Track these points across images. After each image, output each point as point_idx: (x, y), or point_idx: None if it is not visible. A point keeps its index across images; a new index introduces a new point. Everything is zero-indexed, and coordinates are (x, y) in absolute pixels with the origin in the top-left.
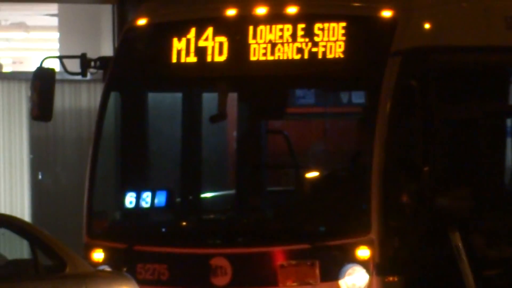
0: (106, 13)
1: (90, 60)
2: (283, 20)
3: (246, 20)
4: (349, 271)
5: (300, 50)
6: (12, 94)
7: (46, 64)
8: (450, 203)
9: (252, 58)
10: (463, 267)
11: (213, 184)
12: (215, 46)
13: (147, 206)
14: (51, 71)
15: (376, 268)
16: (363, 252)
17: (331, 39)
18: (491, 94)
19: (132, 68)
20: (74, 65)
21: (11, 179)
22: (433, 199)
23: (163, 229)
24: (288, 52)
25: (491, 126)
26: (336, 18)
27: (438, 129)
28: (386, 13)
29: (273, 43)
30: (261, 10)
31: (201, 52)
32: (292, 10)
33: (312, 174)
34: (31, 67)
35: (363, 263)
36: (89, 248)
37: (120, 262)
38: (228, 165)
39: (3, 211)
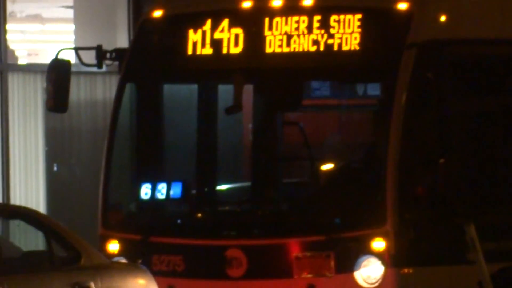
0: (121, 4)
1: (106, 51)
2: (299, 12)
3: (262, 12)
4: (364, 262)
5: (315, 42)
6: (28, 86)
7: (62, 56)
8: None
9: (268, 50)
10: (479, 259)
11: (229, 176)
12: (231, 38)
13: (162, 197)
14: (66, 63)
15: (392, 259)
16: (379, 244)
17: (347, 31)
18: (507, 87)
19: (148, 60)
20: (89, 57)
21: (26, 171)
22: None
23: (179, 221)
24: (303, 44)
25: (507, 118)
26: (351, 10)
27: (453, 121)
28: (402, 5)
29: (288, 35)
30: (277, 2)
31: (216, 44)
32: (308, 2)
33: (327, 166)
34: (47, 59)
35: (379, 255)
36: (104, 239)
37: (135, 254)
38: (243, 157)
39: (18, 203)
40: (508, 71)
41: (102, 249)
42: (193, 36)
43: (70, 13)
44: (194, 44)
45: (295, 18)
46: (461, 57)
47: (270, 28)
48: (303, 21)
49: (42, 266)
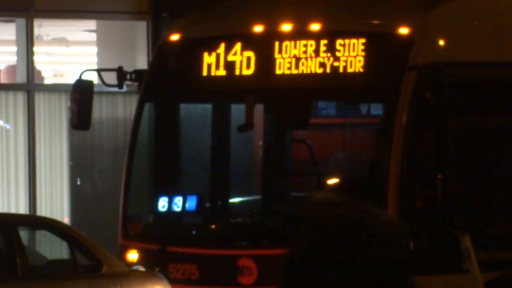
0: (141, 29)
1: (126, 73)
2: (307, 36)
3: (272, 36)
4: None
5: (322, 65)
6: (53, 105)
7: (85, 77)
8: None
9: (278, 72)
10: (473, 268)
11: (241, 190)
12: (243, 61)
13: (178, 210)
14: (89, 83)
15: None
16: None
17: (352, 54)
18: (501, 107)
19: (165, 80)
20: (111, 78)
21: (52, 184)
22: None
23: (194, 232)
24: (311, 66)
25: (501, 137)
26: (356, 35)
27: (451, 139)
28: (403, 30)
29: (297, 57)
30: (286, 27)
31: (230, 66)
32: (315, 27)
33: (333, 181)
34: (71, 79)
35: None
36: (124, 249)
37: (153, 262)
38: (254, 172)
39: (44, 215)
40: (502, 92)
41: (122, 258)
42: (208, 58)
43: (93, 37)
44: (209, 66)
45: (303, 42)
46: (458, 79)
47: (280, 51)
48: (311, 45)
49: (66, 274)
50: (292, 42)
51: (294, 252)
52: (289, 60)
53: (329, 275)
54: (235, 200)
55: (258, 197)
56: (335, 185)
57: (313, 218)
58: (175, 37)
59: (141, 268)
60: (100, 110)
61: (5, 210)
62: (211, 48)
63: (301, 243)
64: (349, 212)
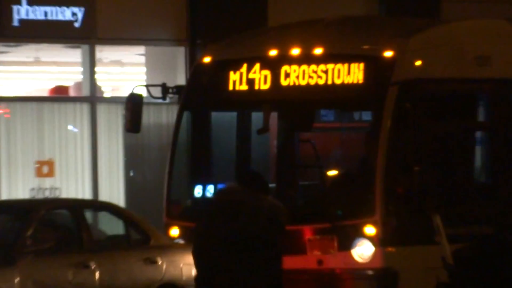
0: (180, 53)
1: (169, 88)
2: (311, 58)
3: (284, 58)
4: (359, 243)
5: (323, 81)
6: (111, 113)
7: (136, 91)
8: None
9: (288, 86)
10: (442, 240)
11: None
12: (261, 78)
13: (210, 195)
14: (139, 96)
15: (379, 241)
16: (370, 230)
17: (347, 72)
18: (466, 114)
19: (199, 94)
20: (156, 92)
21: (110, 175)
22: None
23: None
24: (315, 82)
25: (466, 138)
26: (350, 57)
27: (425, 139)
28: (388, 53)
29: (303, 75)
30: (295, 51)
31: (250, 82)
32: (318, 51)
33: (332, 172)
34: (125, 93)
35: (370, 238)
36: (167, 226)
37: (190, 237)
38: (270, 165)
39: (104, 199)
40: (465, 102)
41: (166, 233)
42: (233, 76)
43: (142, 59)
44: (234, 82)
45: (308, 62)
46: (431, 92)
47: (290, 70)
48: (314, 65)
49: (121, 246)
50: (300, 63)
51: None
52: (297, 77)
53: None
54: None
55: (273, 185)
56: (334, 176)
57: (215, 200)
58: (207, 59)
59: (181, 241)
60: (148, 117)
61: (74, 197)
62: (236, 68)
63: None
64: (240, 196)
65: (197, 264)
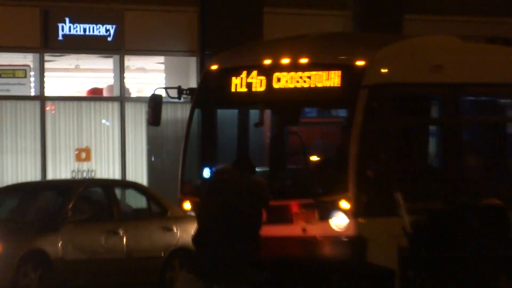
0: (192, 61)
1: (183, 90)
2: (298, 66)
3: (276, 66)
4: (335, 215)
5: (308, 84)
6: (136, 110)
7: (157, 92)
8: None
9: (280, 90)
10: (403, 214)
11: (256, 163)
12: (257, 82)
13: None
14: (159, 96)
15: (352, 214)
16: (344, 204)
17: (327, 77)
18: (423, 111)
19: (208, 95)
20: (173, 93)
21: (135, 160)
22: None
23: None
24: (301, 86)
25: (422, 130)
26: (330, 65)
27: (390, 131)
28: (359, 62)
29: (292, 80)
30: (285, 61)
31: (249, 85)
32: (303, 60)
33: (314, 158)
34: (148, 94)
35: (344, 211)
36: (181, 201)
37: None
38: (265, 153)
39: (130, 179)
40: (424, 102)
41: (180, 207)
42: (235, 80)
43: (162, 67)
44: (236, 85)
45: (296, 70)
46: (396, 93)
47: (281, 76)
48: (301, 71)
49: (144, 216)
50: (288, 70)
51: None
52: (286, 81)
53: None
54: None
55: (267, 168)
56: (316, 161)
57: (211, 178)
58: (214, 67)
59: (192, 213)
60: (166, 113)
61: (106, 177)
62: (237, 74)
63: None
64: (228, 175)
65: (197, 227)
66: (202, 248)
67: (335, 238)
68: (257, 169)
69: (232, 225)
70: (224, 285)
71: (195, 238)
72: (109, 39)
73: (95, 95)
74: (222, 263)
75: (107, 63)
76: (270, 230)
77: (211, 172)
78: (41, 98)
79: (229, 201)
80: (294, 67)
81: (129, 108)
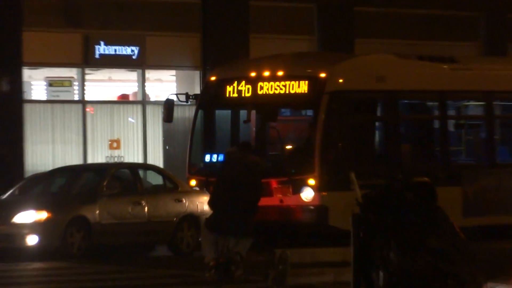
0: (197, 74)
1: (190, 95)
2: (276, 77)
3: (259, 77)
4: (305, 189)
5: (284, 91)
6: (155, 111)
7: (170, 97)
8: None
9: (262, 95)
10: (355, 188)
11: None
12: (245, 89)
13: (215, 161)
14: (172, 100)
15: (317, 188)
16: (311, 181)
17: (297, 86)
18: (371, 111)
19: (208, 99)
20: (182, 98)
21: (154, 149)
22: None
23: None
24: (278, 92)
25: (370, 125)
26: (300, 76)
27: (347, 126)
28: (322, 74)
29: (271, 88)
30: (266, 73)
31: (239, 92)
32: (280, 73)
33: (289, 147)
34: (163, 98)
35: (311, 186)
36: (188, 179)
37: (202, 186)
38: (251, 142)
39: (151, 163)
40: (371, 104)
41: (187, 183)
42: (229, 88)
43: (174, 78)
44: (229, 92)
45: (274, 80)
46: (350, 98)
47: (263, 85)
48: (277, 81)
49: (160, 191)
50: (269, 80)
51: None
52: (267, 89)
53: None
54: None
55: None
56: (290, 149)
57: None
58: (213, 78)
59: (197, 189)
60: (177, 113)
61: (132, 161)
62: (230, 83)
63: None
64: (234, 155)
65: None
66: (216, 209)
67: (304, 207)
68: None
69: (236, 193)
70: (231, 236)
71: (210, 201)
72: (134, 57)
73: (123, 99)
74: (230, 220)
75: (132, 75)
76: None
77: (212, 158)
78: (83, 102)
79: (234, 174)
80: (273, 78)
81: (149, 109)
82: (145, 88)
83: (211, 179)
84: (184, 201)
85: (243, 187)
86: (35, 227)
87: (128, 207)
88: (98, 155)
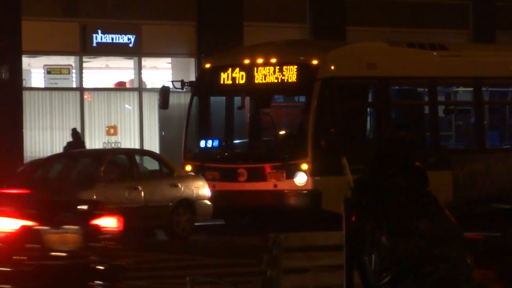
0: (192, 61)
1: (185, 82)
2: (269, 64)
3: (253, 64)
4: (298, 174)
5: (277, 78)
6: (151, 97)
7: (166, 84)
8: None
9: (256, 81)
10: (347, 173)
11: (239, 136)
12: (239, 76)
13: (210, 147)
14: (167, 87)
15: (310, 173)
16: (304, 166)
17: (291, 73)
18: (362, 97)
19: (203, 86)
20: (177, 85)
21: (150, 134)
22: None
23: (217, 156)
24: (271, 79)
25: (360, 111)
26: (293, 63)
27: (338, 112)
28: (314, 62)
29: (265, 75)
30: (260, 60)
31: (233, 79)
32: (273, 60)
33: (282, 132)
34: (159, 85)
35: (305, 171)
36: (184, 164)
37: (198, 171)
38: (245, 128)
39: (147, 148)
40: (362, 90)
41: (183, 169)
42: (223, 75)
43: (169, 65)
44: (223, 79)
45: (268, 67)
46: (341, 84)
47: (257, 72)
48: (271, 68)
49: (156, 176)
50: (263, 67)
51: None
52: (262, 76)
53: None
54: (237, 141)
55: (247, 140)
56: (283, 134)
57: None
58: (208, 65)
59: (192, 174)
60: (173, 100)
61: (129, 147)
62: (225, 70)
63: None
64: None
65: None
66: None
67: (298, 191)
68: (239, 141)
69: None
70: None
71: None
72: (130, 45)
73: (120, 86)
74: None
75: (129, 63)
76: (250, 186)
77: (207, 143)
78: (80, 89)
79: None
80: (266, 65)
81: (145, 96)
82: (142, 76)
83: (206, 164)
84: (180, 186)
85: None
86: None
87: (125, 192)
88: (96, 141)
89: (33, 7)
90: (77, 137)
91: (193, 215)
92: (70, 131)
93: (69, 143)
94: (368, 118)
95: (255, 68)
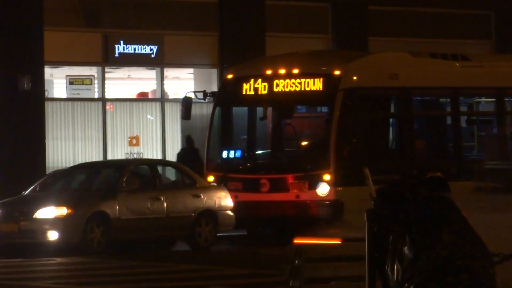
0: (214, 72)
1: (207, 93)
2: (291, 75)
3: (275, 75)
4: (321, 185)
5: (299, 88)
6: (173, 108)
7: (188, 95)
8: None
9: (278, 92)
10: (369, 183)
11: (261, 147)
12: (262, 87)
13: (232, 157)
14: (190, 98)
15: (332, 184)
16: (327, 177)
17: (313, 83)
18: (384, 108)
19: (225, 96)
20: (200, 95)
21: (173, 145)
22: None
23: (239, 167)
24: (294, 89)
25: (383, 122)
26: (315, 74)
27: (360, 123)
28: (337, 72)
29: (287, 85)
30: (282, 71)
31: (256, 89)
32: (295, 71)
33: (305, 143)
34: (181, 96)
35: (327, 182)
36: (207, 175)
37: (220, 181)
38: (268, 138)
39: (169, 159)
40: (385, 101)
41: (205, 179)
42: (245, 86)
43: (192, 76)
44: (246, 89)
45: (290, 77)
46: (364, 95)
47: (279, 82)
48: (293, 78)
49: (179, 187)
50: (285, 78)
51: None
52: (283, 86)
53: None
54: (259, 152)
55: (269, 150)
56: (306, 145)
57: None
58: (230, 76)
59: (215, 184)
60: (195, 110)
61: (151, 157)
62: (247, 81)
63: None
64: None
65: None
66: None
67: (320, 202)
68: (261, 151)
69: None
70: None
71: None
72: (153, 56)
73: (142, 97)
74: None
75: (151, 73)
76: (272, 196)
77: (229, 154)
78: (103, 100)
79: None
80: (289, 75)
81: (167, 107)
82: (164, 86)
83: (229, 175)
84: (202, 196)
85: None
86: (56, 223)
87: (147, 202)
88: (118, 152)
89: (55, 18)
90: (191, 144)
91: (215, 226)
92: (185, 138)
93: (183, 149)
94: (390, 128)
95: (277, 79)
